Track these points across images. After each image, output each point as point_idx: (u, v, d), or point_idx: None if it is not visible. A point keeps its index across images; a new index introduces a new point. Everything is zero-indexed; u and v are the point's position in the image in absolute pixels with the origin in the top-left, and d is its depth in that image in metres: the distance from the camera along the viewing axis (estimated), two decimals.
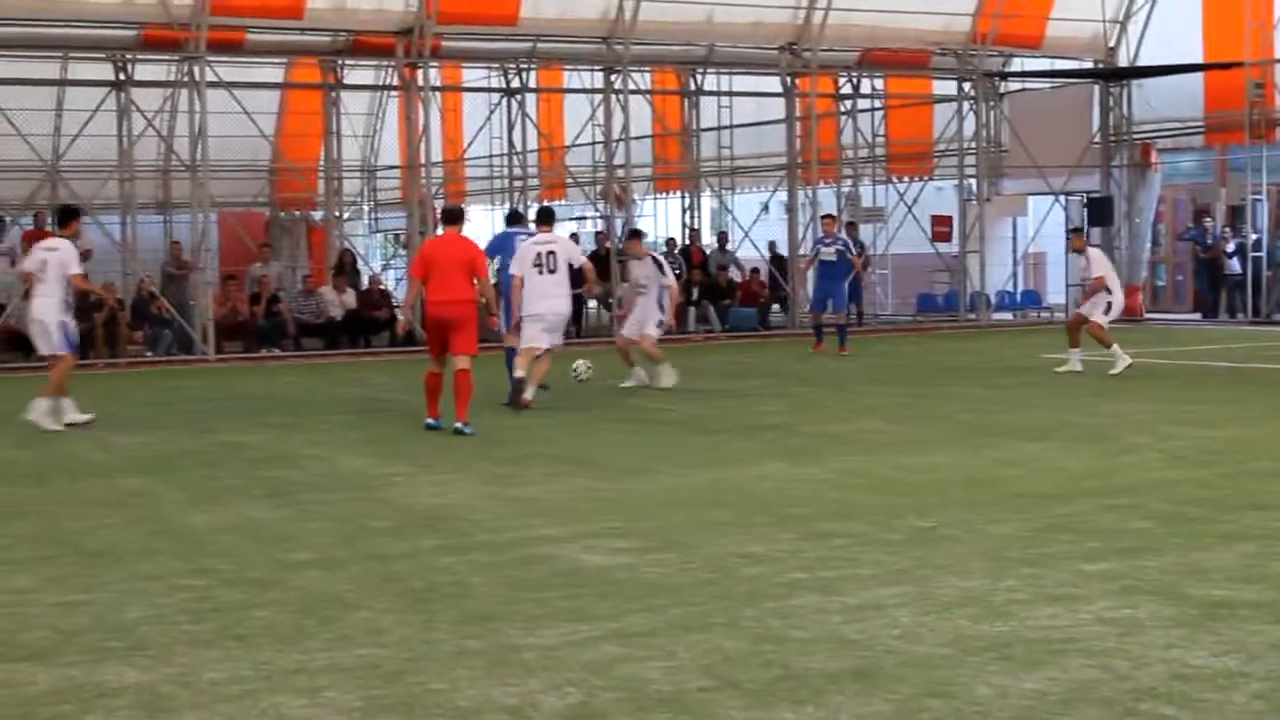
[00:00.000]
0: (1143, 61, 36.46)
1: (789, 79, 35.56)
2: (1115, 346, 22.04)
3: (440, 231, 18.07)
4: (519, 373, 18.62)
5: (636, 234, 23.56)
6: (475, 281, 16.90)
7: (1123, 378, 21.27)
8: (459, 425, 16.19)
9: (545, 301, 18.88)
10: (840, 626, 7.65)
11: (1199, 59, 34.96)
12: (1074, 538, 9.87)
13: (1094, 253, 23.74)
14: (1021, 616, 7.77)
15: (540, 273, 18.84)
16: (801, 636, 7.46)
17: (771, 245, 38.16)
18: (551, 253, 19.01)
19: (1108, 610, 7.87)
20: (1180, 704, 6.30)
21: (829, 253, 27.63)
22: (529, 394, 18.56)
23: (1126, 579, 8.58)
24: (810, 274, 29.71)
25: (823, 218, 29.62)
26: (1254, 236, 35.22)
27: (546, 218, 20.32)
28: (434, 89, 34.29)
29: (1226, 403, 18.11)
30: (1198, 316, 36.60)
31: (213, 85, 30.00)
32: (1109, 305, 22.59)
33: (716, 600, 8.26)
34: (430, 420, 16.82)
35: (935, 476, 12.77)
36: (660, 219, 46.13)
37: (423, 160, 32.13)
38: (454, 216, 17.67)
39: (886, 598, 8.23)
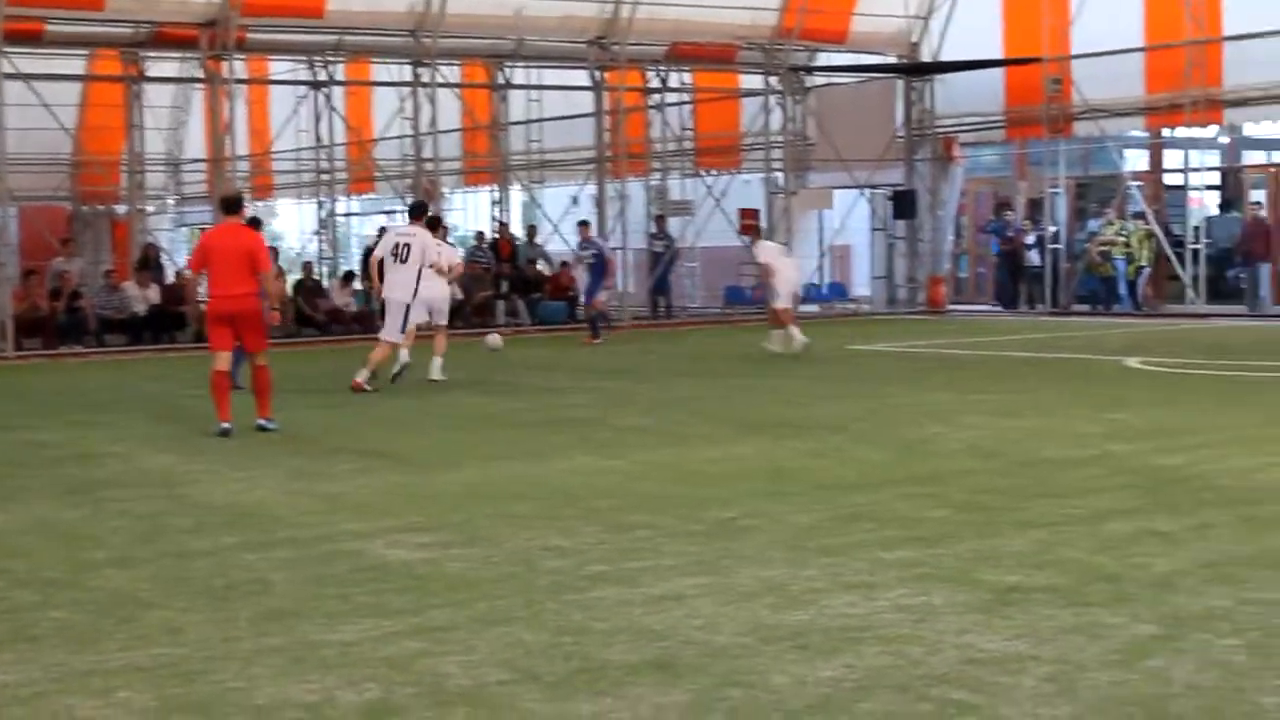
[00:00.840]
0: (945, 57, 37.01)
1: (597, 73, 35.61)
2: (793, 328, 24.19)
3: (221, 221, 17.09)
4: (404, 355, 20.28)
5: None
6: (258, 275, 16.03)
7: (923, 368, 21.61)
8: (261, 422, 15.92)
9: (396, 290, 20.23)
10: (641, 618, 7.68)
11: (999, 55, 35.56)
12: (873, 526, 10.01)
13: (764, 244, 26.35)
14: (820, 605, 7.86)
15: (395, 261, 20.18)
16: (602, 628, 7.48)
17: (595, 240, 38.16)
18: (407, 245, 20.23)
19: (904, 597, 7.99)
20: (972, 688, 6.41)
21: (586, 257, 29.04)
22: (362, 377, 19.72)
23: (923, 566, 8.71)
24: (580, 273, 30.59)
25: (579, 224, 30.19)
26: (1053, 229, 35.96)
27: (417, 212, 21.29)
28: (239, 82, 33.85)
29: (1023, 392, 18.43)
30: (998, 307, 37.26)
31: (10, 77, 29.37)
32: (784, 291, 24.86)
33: (518, 594, 8.26)
34: (223, 425, 15.71)
35: (739, 467, 12.86)
36: (469, 212, 46.01)
37: (228, 154, 31.73)
38: (233, 205, 16.70)
39: (688, 588, 8.28)
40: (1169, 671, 6.62)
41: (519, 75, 37.61)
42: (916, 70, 37.55)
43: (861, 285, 40.43)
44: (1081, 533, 9.65)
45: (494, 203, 39.27)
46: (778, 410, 17.15)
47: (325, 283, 35.32)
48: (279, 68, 39.33)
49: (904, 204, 36.97)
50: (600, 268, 29.00)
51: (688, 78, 39.56)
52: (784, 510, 10.69)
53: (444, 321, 21.22)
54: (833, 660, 6.85)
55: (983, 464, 12.81)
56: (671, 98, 38.95)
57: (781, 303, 24.72)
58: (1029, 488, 11.50)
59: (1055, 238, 36.01)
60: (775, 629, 7.42)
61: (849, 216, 38.82)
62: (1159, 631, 7.25)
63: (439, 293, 20.93)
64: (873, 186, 37.85)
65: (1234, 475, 11.78)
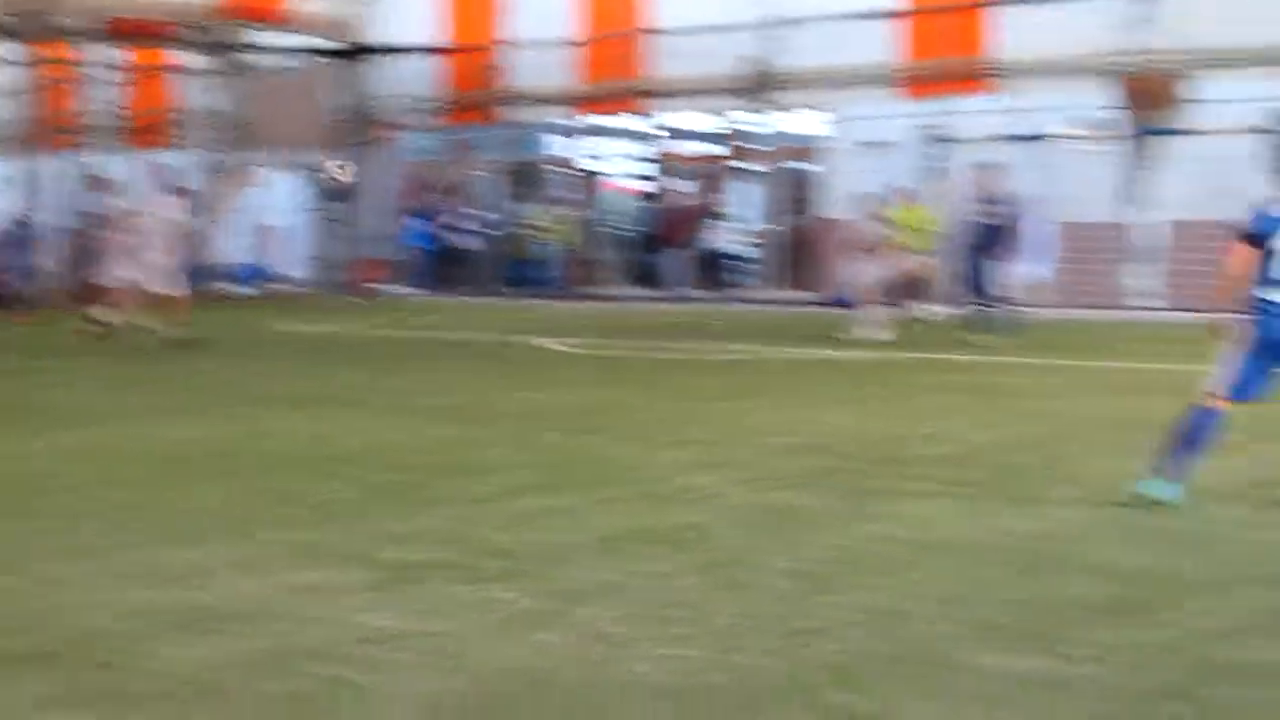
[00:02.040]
0: (383, 41, 37.02)
1: (25, 45, 34.19)
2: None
3: None
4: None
5: None
6: None
7: (341, 350, 21.60)
8: None
9: None
10: (28, 603, 7.42)
11: (437, 41, 35.81)
12: (278, 506, 9.92)
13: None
14: (210, 587, 7.72)
15: None
16: None
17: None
18: None
19: (301, 577, 7.91)
20: (361, 666, 6.38)
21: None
22: None
23: (323, 546, 8.66)
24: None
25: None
26: (484, 213, 36.49)
27: None
28: None
29: (439, 372, 18.58)
30: (428, 290, 37.47)
31: None
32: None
33: None
34: None
35: (130, 448, 12.53)
36: None
37: None
38: None
39: (71, 575, 8.01)
40: (553, 643, 6.78)
41: None
42: (354, 53, 37.45)
43: (294, 266, 40.07)
44: (487, 510, 9.79)
45: None
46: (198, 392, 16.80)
47: None
48: None
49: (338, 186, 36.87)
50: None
51: (120, 54, 38.41)
52: (176, 494, 10.45)
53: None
54: (219, 641, 6.73)
55: (397, 443, 12.85)
56: (104, 73, 37.77)
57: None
58: (440, 466, 11.60)
59: (486, 221, 36.52)
60: (160, 612, 7.24)
61: (283, 197, 38.43)
62: (548, 606, 7.41)
63: None
64: (308, 167, 37.57)
65: (632, 454, 12.12)
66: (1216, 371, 9.78)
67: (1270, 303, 9.57)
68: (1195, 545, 8.66)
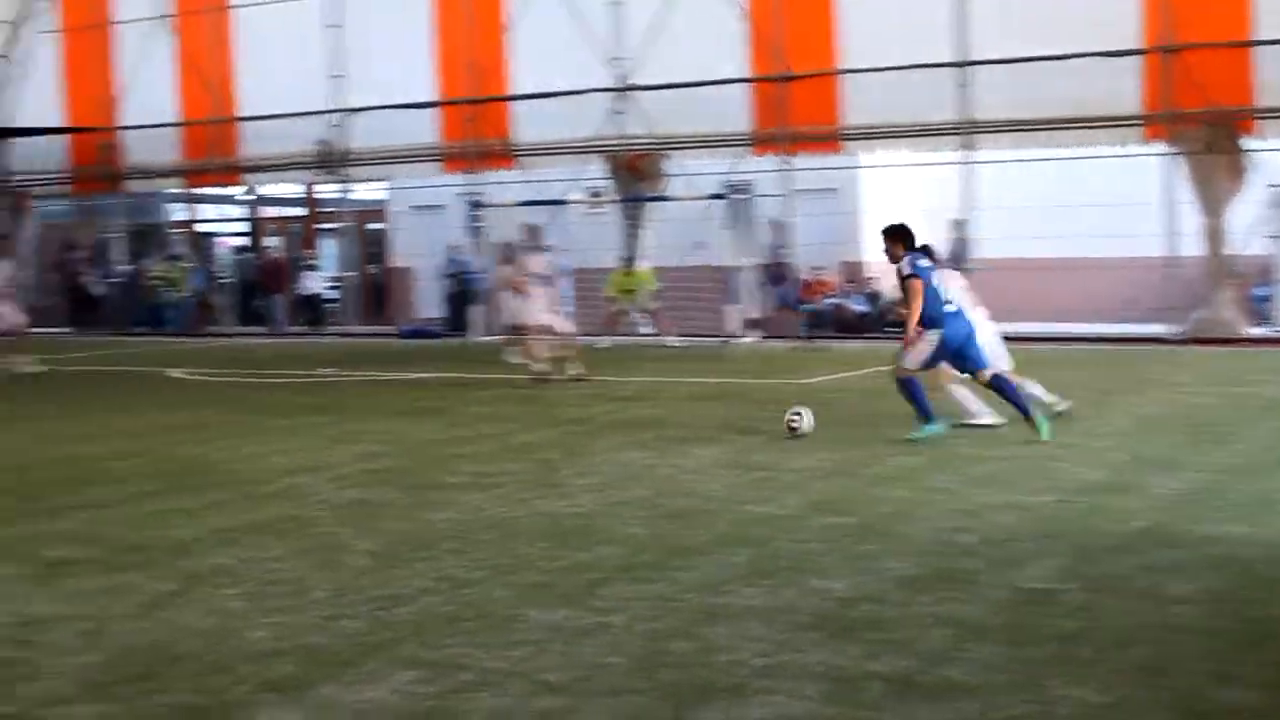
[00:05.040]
0: (15, 123, 35.16)
1: None
2: None
3: None
4: None
5: None
6: None
7: None
8: None
9: None
10: None
11: (62, 122, 34.27)
12: None
13: None
14: None
15: None
16: None
17: None
18: None
19: None
20: (19, 644, 6.18)
21: None
22: None
23: None
24: None
25: None
26: (121, 269, 35.16)
27: None
28: None
29: (78, 401, 17.75)
30: (69, 330, 35.74)
31: None
32: None
33: None
34: None
35: None
36: None
37: None
38: None
39: None
40: (180, 619, 6.62)
41: None
42: None
43: None
44: (122, 513, 9.45)
45: None
46: None
47: None
48: None
49: None
50: None
51: None
52: None
53: None
54: None
55: (34, 461, 12.21)
56: None
57: None
58: (79, 478, 11.10)
59: (115, 273, 35.14)
60: None
61: None
62: (175, 588, 7.22)
63: None
64: None
65: (243, 461, 11.87)
66: (910, 356, 11.94)
67: (950, 315, 11.96)
68: (685, 518, 8.95)
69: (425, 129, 29.43)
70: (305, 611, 6.71)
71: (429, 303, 31.60)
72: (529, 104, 28.11)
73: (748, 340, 25.08)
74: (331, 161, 30.54)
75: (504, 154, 28.87)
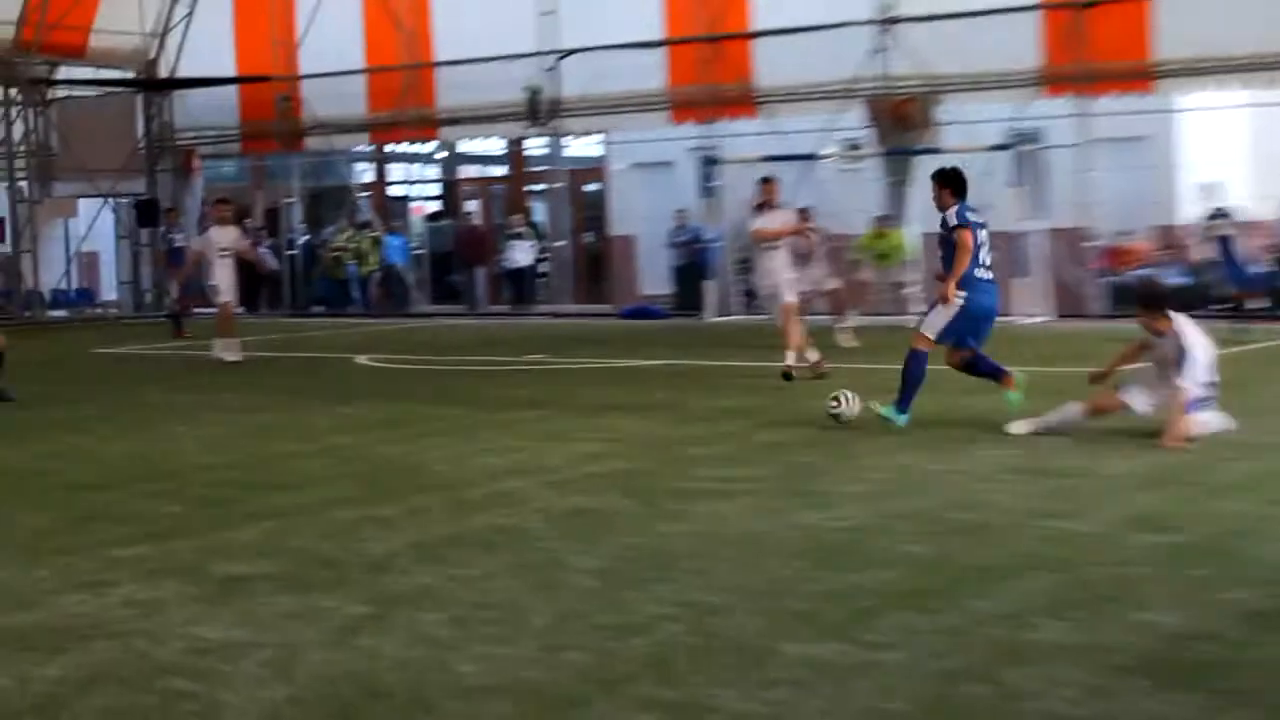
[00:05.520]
0: (182, 73, 36.38)
1: None
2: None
3: None
4: None
5: None
6: None
7: (168, 370, 21.15)
8: None
9: None
10: None
11: (232, 72, 35.31)
12: (108, 525, 9.68)
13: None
14: (49, 605, 7.53)
15: None
16: None
17: None
18: None
19: (134, 593, 7.75)
20: (194, 677, 6.29)
21: None
22: None
23: (153, 561, 8.49)
24: None
25: None
26: (289, 236, 36.07)
27: None
28: None
29: (261, 390, 18.27)
30: (242, 309, 36.92)
31: None
32: None
33: None
34: None
35: None
36: None
37: None
38: None
39: None
40: (379, 648, 6.69)
41: None
42: (154, 85, 36.76)
43: (110, 290, 39.24)
44: (307, 522, 9.65)
45: None
46: (15, 414, 16.32)
47: None
48: None
49: (147, 212, 36.13)
50: None
51: None
52: (20, 513, 10.20)
53: None
54: (58, 659, 6.56)
55: (220, 460, 12.62)
56: None
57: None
58: (261, 480, 11.42)
59: (291, 244, 36.13)
60: (1, 631, 7.05)
61: (95, 224, 37.57)
62: (371, 611, 7.31)
63: None
64: (117, 196, 36.81)
65: (445, 462, 12.04)
66: (931, 320, 12.83)
67: (982, 282, 12.75)
68: (973, 534, 8.78)
69: (650, 73, 29.54)
70: (522, 641, 6.74)
71: (654, 277, 31.74)
72: (773, 41, 28.02)
73: (1035, 320, 24.62)
74: (541, 112, 30.86)
75: (743, 101, 28.83)
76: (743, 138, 28.97)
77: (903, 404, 12.87)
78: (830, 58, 26.68)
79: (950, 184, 12.96)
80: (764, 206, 17.68)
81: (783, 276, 17.55)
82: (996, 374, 13.13)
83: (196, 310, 27.70)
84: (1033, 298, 25.25)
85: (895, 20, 26.63)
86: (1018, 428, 12.24)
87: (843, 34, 26.66)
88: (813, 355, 17.30)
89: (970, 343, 13.03)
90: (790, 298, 17.48)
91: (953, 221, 12.74)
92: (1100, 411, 12.15)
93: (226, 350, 21.47)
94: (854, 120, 27.40)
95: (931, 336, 12.82)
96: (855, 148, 27.81)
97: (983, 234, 12.84)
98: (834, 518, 9.32)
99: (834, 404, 13.15)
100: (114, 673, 6.37)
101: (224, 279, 22.04)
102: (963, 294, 12.66)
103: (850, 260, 24.03)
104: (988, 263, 12.83)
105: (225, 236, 22.21)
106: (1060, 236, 25.89)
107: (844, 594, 7.43)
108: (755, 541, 8.70)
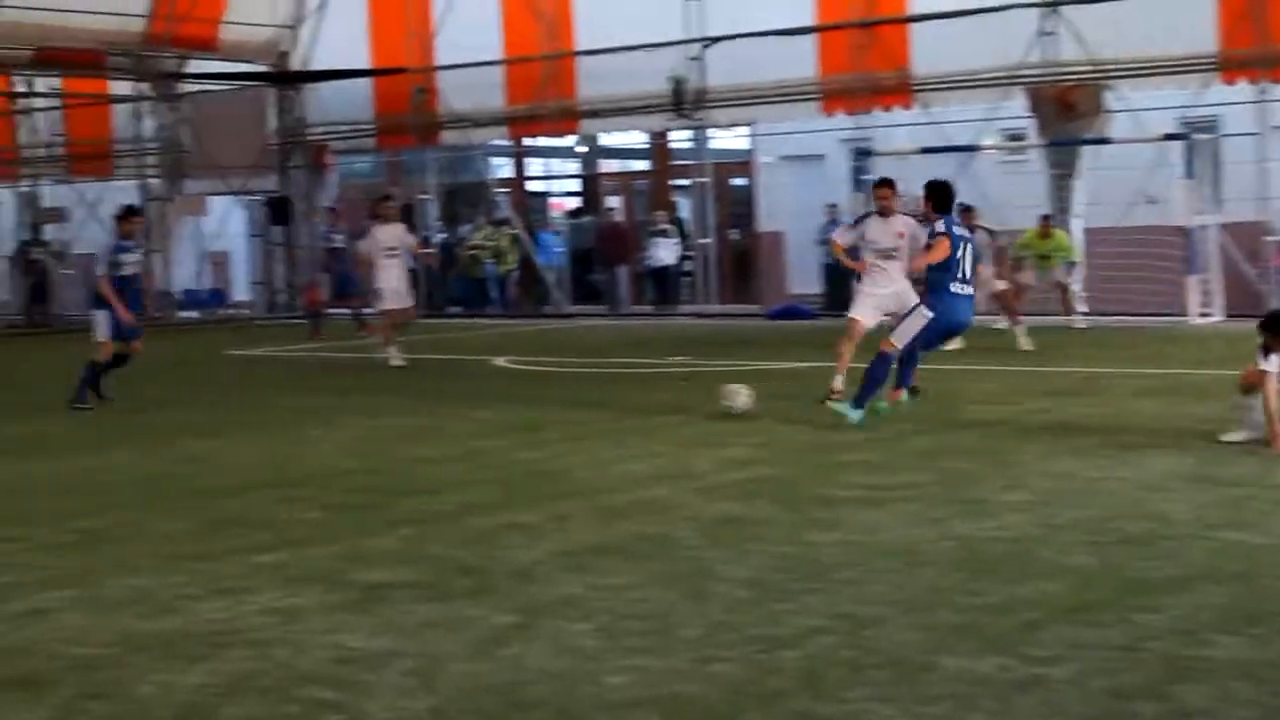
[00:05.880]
0: (315, 65, 36.90)
1: None
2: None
3: None
4: None
5: None
6: None
7: (303, 372, 21.51)
8: None
9: None
10: (4, 635, 7.40)
11: (366, 65, 35.74)
12: (245, 531, 9.91)
13: None
14: (189, 612, 7.75)
15: None
16: None
17: None
18: None
19: (273, 600, 7.95)
20: (337, 686, 6.45)
21: None
22: None
23: (292, 568, 8.69)
24: None
25: None
26: (424, 234, 36.46)
27: None
28: None
29: (398, 393, 18.51)
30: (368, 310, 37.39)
31: None
32: None
33: None
34: None
35: (112, 477, 12.53)
36: None
37: None
38: None
39: (53, 601, 8.02)
40: (525, 658, 6.81)
41: None
42: (286, 78, 37.32)
43: (241, 291, 39.91)
44: (447, 528, 9.82)
45: None
46: (153, 417, 16.73)
47: None
48: None
49: (279, 210, 36.73)
50: None
51: (57, 83, 38.17)
52: (156, 518, 10.48)
53: None
54: (200, 666, 6.76)
55: (357, 464, 12.86)
56: (41, 103, 37.55)
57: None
58: (399, 486, 11.62)
59: (427, 242, 36.49)
60: (143, 637, 7.28)
61: (226, 222, 38.26)
62: (516, 620, 7.44)
63: None
64: (248, 193, 37.45)
65: (588, 468, 12.18)
66: (901, 332, 13.62)
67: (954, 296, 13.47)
68: (1143, 546, 8.74)
69: (800, 61, 29.49)
70: (671, 653, 6.83)
71: (803, 276, 31.70)
72: (931, 26, 27.87)
73: (1205, 320, 24.29)
74: (686, 103, 30.94)
75: (898, 89, 28.71)
76: (897, 128, 28.89)
77: (860, 401, 13.72)
78: (992, 43, 26.50)
79: (933, 196, 13.77)
80: (881, 214, 14.89)
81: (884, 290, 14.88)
82: (904, 381, 13.96)
83: (334, 311, 28.05)
84: (1205, 296, 24.91)
85: (1062, 2, 26.40)
86: (1232, 436, 12.09)
87: (1006, 17, 26.48)
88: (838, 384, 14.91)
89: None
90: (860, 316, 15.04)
91: (940, 229, 13.50)
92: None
93: (394, 356, 21.62)
94: (1016, 109, 27.20)
95: (899, 345, 13.70)
96: (1017, 138, 27.60)
97: (964, 247, 13.55)
98: (993, 527, 9.32)
99: (727, 400, 14.60)
100: (255, 681, 6.55)
101: (393, 282, 21.86)
102: (930, 310, 13.57)
103: (1014, 259, 23.81)
104: (966, 276, 13.59)
105: (391, 235, 22.06)
106: (1236, 231, 25.51)
107: (1005, 607, 7.44)
108: (909, 551, 8.73)
